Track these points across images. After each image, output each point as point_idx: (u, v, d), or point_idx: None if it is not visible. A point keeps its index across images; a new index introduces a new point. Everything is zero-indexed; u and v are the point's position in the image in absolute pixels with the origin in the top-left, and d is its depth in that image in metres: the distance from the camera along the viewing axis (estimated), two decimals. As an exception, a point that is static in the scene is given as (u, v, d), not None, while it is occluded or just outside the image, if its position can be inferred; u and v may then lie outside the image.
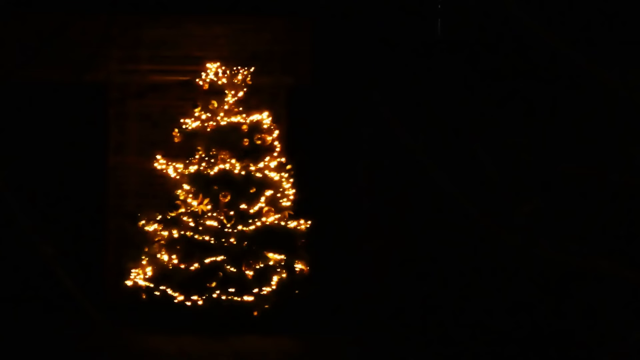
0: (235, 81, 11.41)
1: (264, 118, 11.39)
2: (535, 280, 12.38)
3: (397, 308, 11.72)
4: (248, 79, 11.46)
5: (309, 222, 11.14)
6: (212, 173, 11.07)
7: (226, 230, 10.83)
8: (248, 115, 11.38)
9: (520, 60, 11.98)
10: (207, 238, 10.83)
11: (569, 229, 12.40)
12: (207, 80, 11.39)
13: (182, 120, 11.39)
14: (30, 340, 10.61)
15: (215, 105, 11.39)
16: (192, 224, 10.92)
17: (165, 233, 11.06)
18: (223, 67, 11.39)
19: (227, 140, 11.18)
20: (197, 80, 11.45)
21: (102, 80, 12.44)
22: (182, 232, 10.94)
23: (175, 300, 10.76)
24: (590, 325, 11.57)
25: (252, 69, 11.47)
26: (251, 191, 11.00)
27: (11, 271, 12.13)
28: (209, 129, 11.27)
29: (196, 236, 10.86)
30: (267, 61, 12.33)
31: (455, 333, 11.87)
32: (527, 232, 12.24)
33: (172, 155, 11.43)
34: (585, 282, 12.05)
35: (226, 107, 11.41)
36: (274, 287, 10.78)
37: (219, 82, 11.40)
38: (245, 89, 11.47)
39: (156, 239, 11.15)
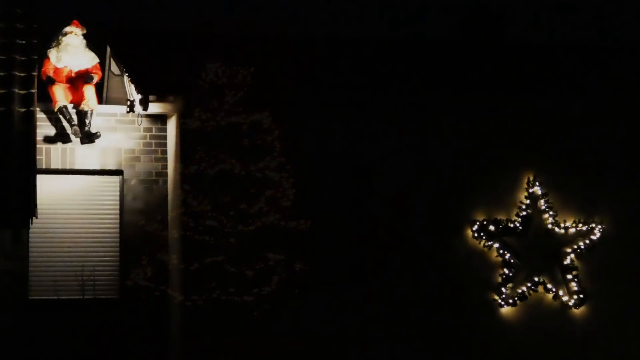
0: (235, 81, 11.38)
1: (264, 118, 11.35)
2: (535, 280, 12.40)
3: (396, 308, 11.72)
4: (248, 79, 11.43)
5: (309, 222, 11.11)
6: (212, 173, 11.05)
7: (226, 230, 10.82)
8: (248, 116, 11.34)
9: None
10: (207, 238, 10.82)
11: (568, 229, 12.41)
12: (207, 80, 11.36)
13: (181, 120, 11.37)
14: (32, 340, 10.61)
15: (215, 105, 11.36)
16: (192, 224, 10.91)
17: (165, 233, 11.06)
18: (223, 67, 11.36)
19: (227, 140, 11.17)
20: (197, 80, 11.43)
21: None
22: (182, 232, 10.93)
23: (175, 301, 10.76)
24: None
25: (252, 69, 11.44)
26: (251, 191, 10.99)
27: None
28: (209, 129, 11.25)
29: (196, 236, 10.85)
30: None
31: (455, 333, 11.87)
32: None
33: (172, 154, 11.43)
34: (585, 282, 12.03)
35: (226, 107, 11.39)
36: (274, 287, 10.77)
37: (219, 82, 11.37)
38: (245, 89, 11.44)
39: (156, 239, 11.16)
